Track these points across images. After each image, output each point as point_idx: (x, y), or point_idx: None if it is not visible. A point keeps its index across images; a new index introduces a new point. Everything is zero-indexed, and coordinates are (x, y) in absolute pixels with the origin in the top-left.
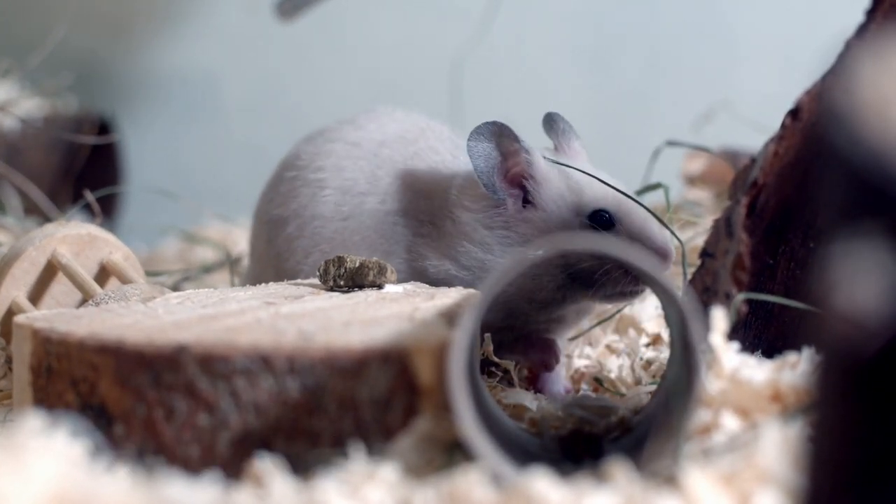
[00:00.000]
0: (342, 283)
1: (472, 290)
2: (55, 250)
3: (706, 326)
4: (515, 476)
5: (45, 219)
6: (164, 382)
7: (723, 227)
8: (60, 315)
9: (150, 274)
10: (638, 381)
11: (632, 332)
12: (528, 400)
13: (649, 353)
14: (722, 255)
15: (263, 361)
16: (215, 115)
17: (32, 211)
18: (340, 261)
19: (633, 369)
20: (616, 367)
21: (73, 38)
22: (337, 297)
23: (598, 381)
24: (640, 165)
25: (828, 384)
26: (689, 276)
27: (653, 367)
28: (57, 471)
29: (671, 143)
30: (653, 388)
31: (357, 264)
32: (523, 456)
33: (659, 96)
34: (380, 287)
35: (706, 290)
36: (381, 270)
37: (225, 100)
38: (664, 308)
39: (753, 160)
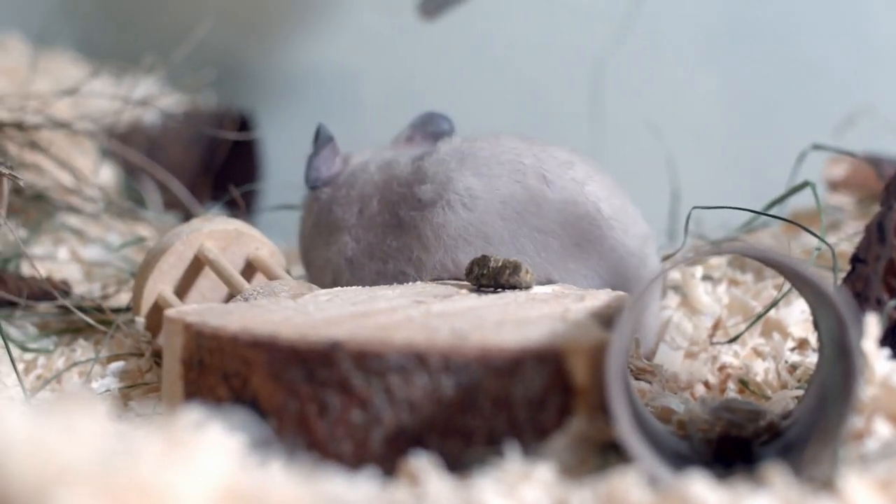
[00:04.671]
0: (484, 282)
1: (620, 293)
2: (202, 245)
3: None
4: (672, 478)
5: (185, 213)
6: (317, 378)
7: (875, 233)
8: (211, 309)
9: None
10: (784, 385)
11: (776, 335)
12: (676, 403)
13: (794, 357)
14: (874, 260)
15: (418, 359)
16: (351, 113)
17: (172, 205)
18: (485, 260)
19: (778, 373)
20: (762, 370)
21: (212, 36)
22: (487, 297)
23: (744, 384)
24: (778, 168)
25: None
26: (837, 282)
27: (798, 372)
28: (225, 465)
29: (817, 147)
30: (799, 392)
31: (500, 264)
32: (673, 458)
33: (799, 100)
34: (516, 286)
35: (857, 296)
36: (516, 269)
37: (361, 98)
38: (815, 312)
39: None
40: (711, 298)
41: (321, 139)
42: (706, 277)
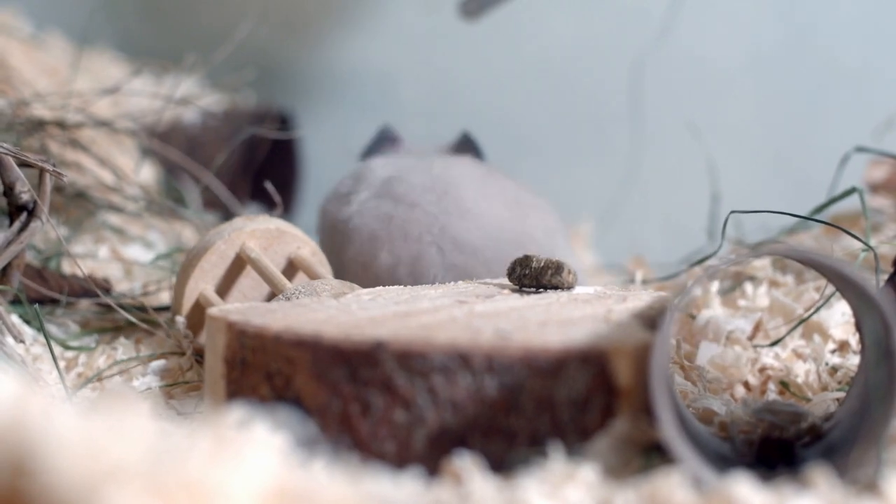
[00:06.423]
0: (527, 282)
1: (662, 293)
2: (244, 244)
3: None
4: (715, 480)
5: (225, 212)
6: (360, 378)
7: None
8: (253, 308)
9: None
10: (824, 387)
11: (817, 337)
12: (717, 404)
13: (835, 360)
14: None
15: (462, 359)
16: (390, 112)
17: (211, 204)
18: (527, 260)
19: (819, 375)
20: (803, 371)
21: (253, 35)
22: (529, 297)
23: (784, 385)
24: (818, 169)
25: None
26: (880, 284)
27: (839, 374)
28: (273, 463)
29: (860, 150)
30: (840, 394)
31: (542, 264)
32: (715, 459)
33: (839, 101)
34: (557, 286)
35: None
36: (558, 269)
37: (400, 98)
38: (858, 314)
39: None
40: (747, 301)
41: (379, 139)
42: (749, 278)
